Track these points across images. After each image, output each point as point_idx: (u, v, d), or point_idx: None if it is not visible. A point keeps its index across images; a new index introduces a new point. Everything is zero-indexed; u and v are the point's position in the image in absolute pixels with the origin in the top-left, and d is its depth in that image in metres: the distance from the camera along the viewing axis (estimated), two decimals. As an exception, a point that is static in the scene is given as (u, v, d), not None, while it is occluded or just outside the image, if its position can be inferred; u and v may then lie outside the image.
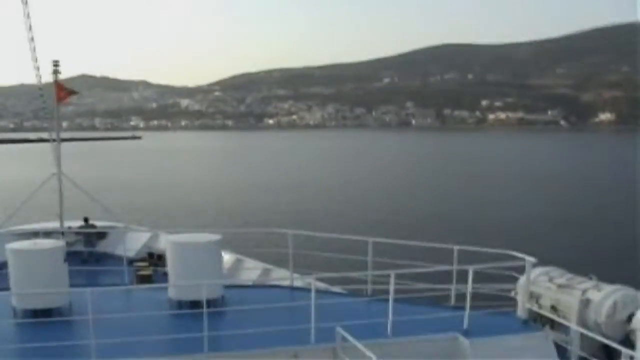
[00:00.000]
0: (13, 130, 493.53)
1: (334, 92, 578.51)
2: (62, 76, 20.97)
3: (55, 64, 20.69)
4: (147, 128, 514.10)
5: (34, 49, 19.04)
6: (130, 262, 18.54)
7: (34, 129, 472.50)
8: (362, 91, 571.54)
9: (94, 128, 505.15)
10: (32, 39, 18.51)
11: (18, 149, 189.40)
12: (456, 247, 13.30)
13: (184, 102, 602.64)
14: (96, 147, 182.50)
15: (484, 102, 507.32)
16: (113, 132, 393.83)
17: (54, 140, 21.19)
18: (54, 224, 21.55)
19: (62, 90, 20.46)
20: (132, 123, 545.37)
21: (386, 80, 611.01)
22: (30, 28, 18.04)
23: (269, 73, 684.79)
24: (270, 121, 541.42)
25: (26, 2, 16.92)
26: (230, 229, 29.71)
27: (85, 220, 22.10)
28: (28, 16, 17.46)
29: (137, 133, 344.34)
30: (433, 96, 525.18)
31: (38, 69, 19.33)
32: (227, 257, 18.65)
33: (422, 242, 14.85)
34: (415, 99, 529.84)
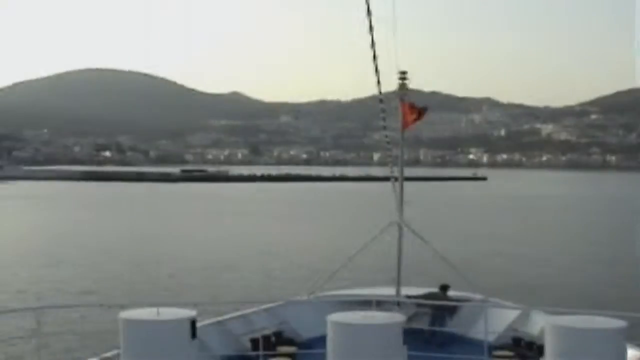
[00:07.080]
0: (306, 162, 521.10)
1: None
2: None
3: (403, 76, 21.08)
4: (492, 164, 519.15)
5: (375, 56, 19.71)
6: (490, 349, 19.01)
7: (334, 162, 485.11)
8: None
9: (417, 162, 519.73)
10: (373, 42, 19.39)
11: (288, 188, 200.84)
12: None
13: (546, 129, 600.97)
14: (421, 189, 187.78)
15: None
16: (444, 170, 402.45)
17: (395, 179, 22.40)
18: (388, 290, 22.18)
19: (412, 110, 20.79)
20: (470, 157, 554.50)
21: None
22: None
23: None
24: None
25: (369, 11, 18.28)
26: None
27: (443, 288, 22.07)
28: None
29: (479, 171, 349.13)
30: None
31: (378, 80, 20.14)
32: (633, 353, 18.36)
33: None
34: None
